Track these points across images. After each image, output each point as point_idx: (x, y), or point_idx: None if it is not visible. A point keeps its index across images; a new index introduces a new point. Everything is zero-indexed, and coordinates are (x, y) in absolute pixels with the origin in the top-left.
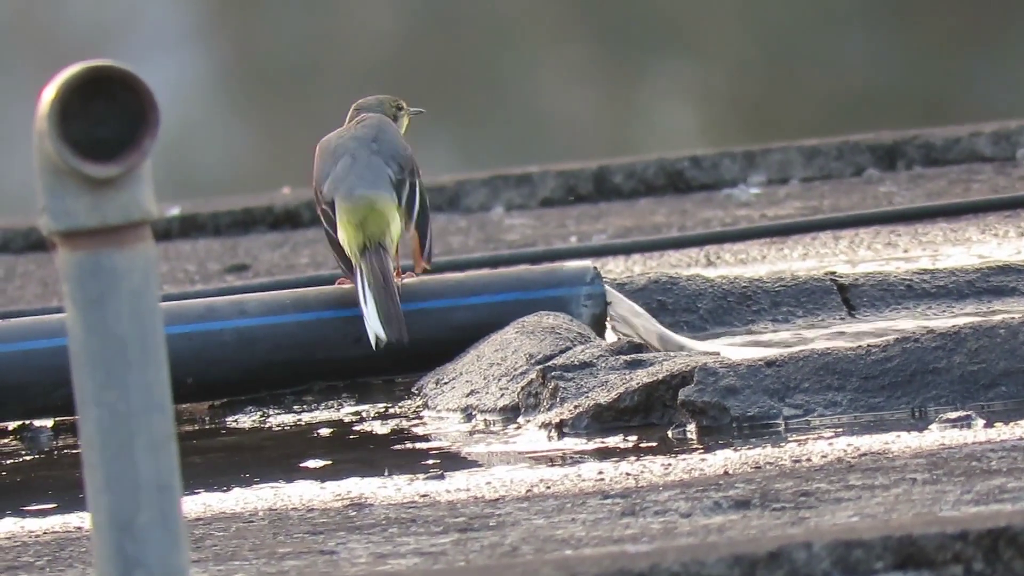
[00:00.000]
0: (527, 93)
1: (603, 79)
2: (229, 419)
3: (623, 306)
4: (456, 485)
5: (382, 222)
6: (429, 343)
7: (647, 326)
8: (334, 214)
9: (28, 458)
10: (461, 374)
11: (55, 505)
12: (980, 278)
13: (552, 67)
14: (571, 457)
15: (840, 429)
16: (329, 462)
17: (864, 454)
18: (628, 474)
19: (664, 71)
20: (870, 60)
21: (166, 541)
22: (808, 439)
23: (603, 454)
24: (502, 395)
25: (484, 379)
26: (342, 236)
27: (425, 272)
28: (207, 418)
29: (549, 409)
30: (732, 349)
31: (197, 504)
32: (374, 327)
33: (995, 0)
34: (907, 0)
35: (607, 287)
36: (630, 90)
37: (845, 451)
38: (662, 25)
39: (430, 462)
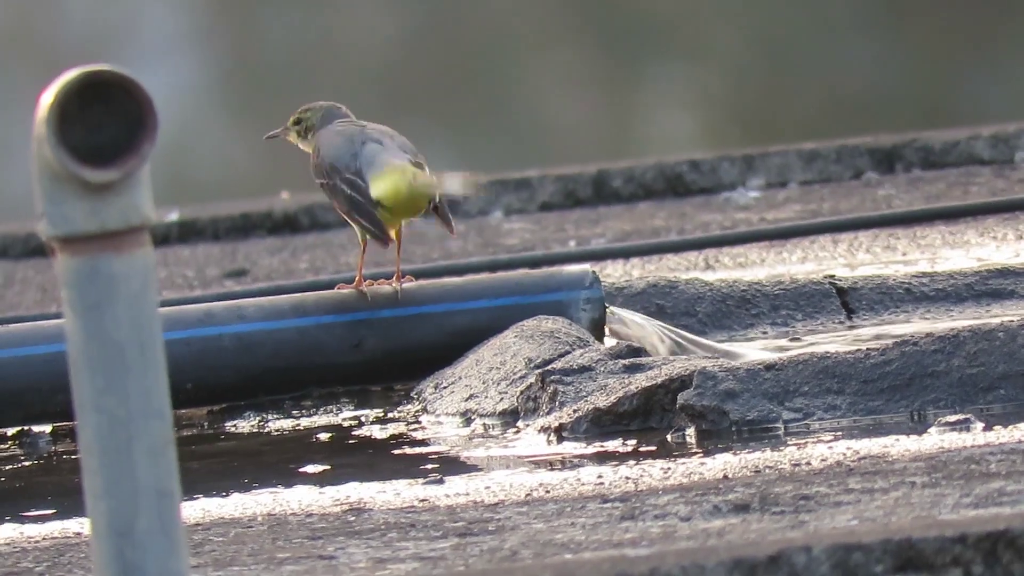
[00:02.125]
0: (526, 98)
1: (602, 84)
2: (228, 424)
3: (632, 322)
4: (455, 489)
5: (428, 180)
6: (428, 347)
7: (658, 333)
8: (365, 181)
9: (27, 463)
10: (460, 378)
11: (54, 511)
12: (979, 281)
13: (551, 72)
14: (570, 461)
15: (839, 433)
16: (328, 467)
17: (863, 457)
18: (627, 478)
19: (663, 75)
20: (868, 64)
21: (165, 546)
22: (807, 443)
23: (602, 458)
24: (501, 399)
25: (483, 383)
26: (380, 188)
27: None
28: (206, 423)
29: (548, 413)
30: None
31: (196, 509)
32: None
33: (992, 4)
34: (905, 4)
35: (616, 311)
36: (629, 95)
37: (844, 455)
38: (660, 30)
39: (429, 467)
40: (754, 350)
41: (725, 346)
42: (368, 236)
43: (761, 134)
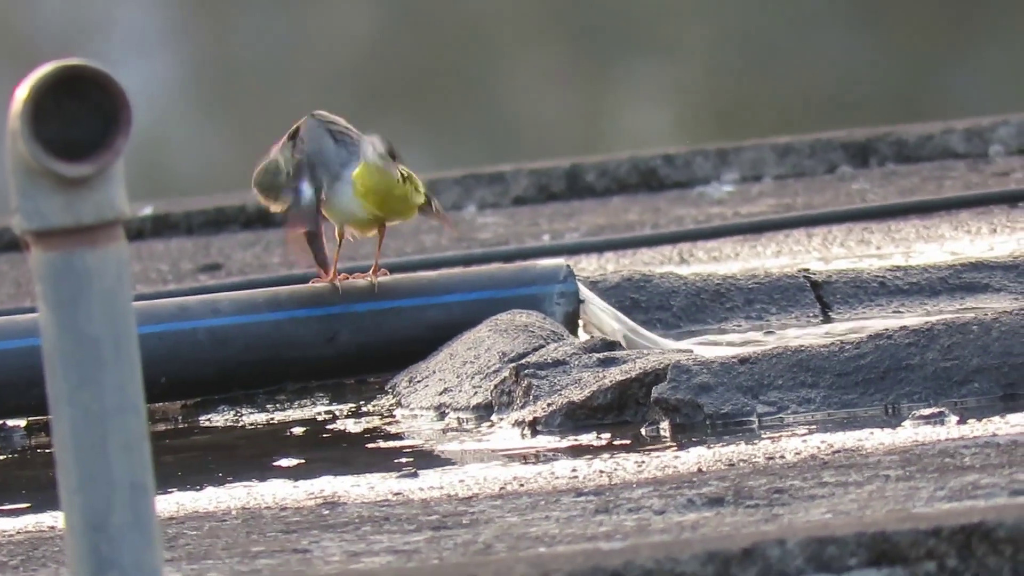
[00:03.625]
0: (500, 94)
1: (575, 79)
2: (202, 418)
3: (594, 305)
4: (429, 483)
5: (412, 183)
6: (402, 342)
7: (615, 325)
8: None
9: (1, 458)
10: (434, 372)
11: (28, 505)
12: (953, 275)
13: (524, 68)
14: (544, 455)
15: (814, 426)
16: (302, 461)
17: (838, 451)
18: (601, 472)
19: (636, 71)
20: (842, 58)
21: (139, 540)
22: (782, 436)
23: (576, 452)
24: (475, 393)
25: (457, 377)
26: (358, 189)
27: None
28: (180, 417)
29: (522, 407)
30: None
31: (170, 503)
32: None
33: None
34: None
35: (582, 287)
36: (602, 90)
37: (819, 448)
38: (634, 25)
39: (403, 460)
40: (705, 346)
41: (674, 344)
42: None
43: (735, 128)
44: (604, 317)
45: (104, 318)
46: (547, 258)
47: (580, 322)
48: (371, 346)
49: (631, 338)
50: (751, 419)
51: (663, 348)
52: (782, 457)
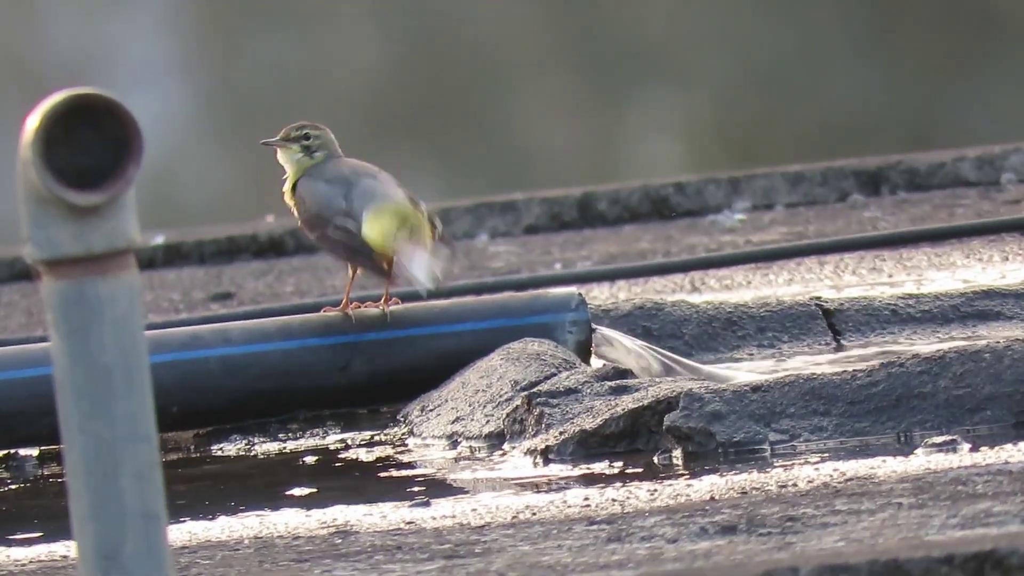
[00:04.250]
0: (512, 123)
1: (587, 108)
2: (214, 447)
3: (620, 343)
4: (442, 512)
5: (419, 220)
6: (414, 370)
7: (646, 358)
8: (359, 221)
9: (13, 487)
10: (446, 401)
11: (41, 534)
12: (965, 302)
13: (536, 97)
14: (557, 483)
15: (826, 454)
16: (314, 490)
17: (850, 479)
18: (614, 500)
19: (648, 99)
20: (853, 87)
21: (152, 570)
22: (794, 464)
23: (589, 480)
24: (487, 422)
25: (469, 406)
26: (374, 231)
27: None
28: (192, 446)
29: (534, 435)
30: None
31: (183, 532)
32: (420, 278)
33: (977, 27)
34: (891, 27)
35: (603, 331)
36: (614, 119)
37: (831, 476)
38: (645, 54)
39: (416, 489)
40: (740, 372)
41: (709, 368)
42: (366, 270)
43: (746, 157)
44: (632, 351)
45: (116, 347)
46: (559, 286)
47: (592, 351)
48: (383, 375)
49: (670, 366)
50: (763, 447)
51: (703, 374)
52: (794, 485)
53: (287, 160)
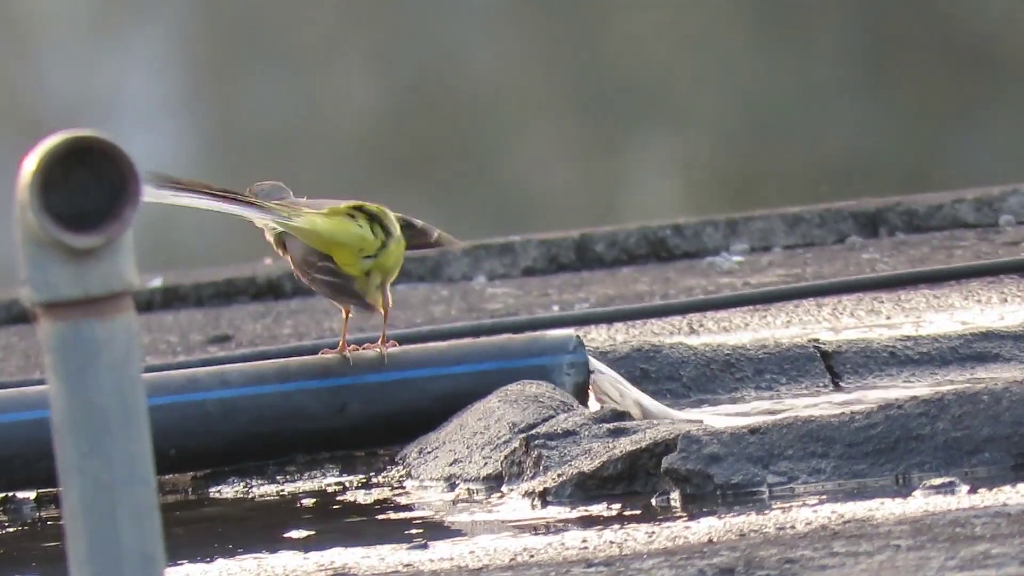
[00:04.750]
0: (509, 165)
1: (584, 150)
2: (212, 490)
3: (605, 376)
4: (440, 554)
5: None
6: (412, 412)
7: (629, 395)
8: (336, 265)
9: (11, 530)
10: (444, 443)
11: None
12: (963, 344)
13: (533, 138)
14: (555, 526)
15: (824, 496)
16: (312, 532)
17: (848, 521)
18: (612, 542)
19: (646, 142)
20: (851, 129)
21: None
22: (792, 506)
23: (587, 522)
24: (485, 464)
25: (467, 448)
26: (328, 225)
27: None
28: (190, 489)
29: (532, 478)
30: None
31: (181, 575)
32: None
33: (976, 69)
34: (889, 69)
35: (592, 359)
36: (611, 160)
37: (829, 518)
38: (642, 96)
39: (413, 531)
40: (714, 416)
41: (683, 414)
42: (355, 308)
43: (744, 199)
44: (618, 389)
45: (113, 389)
46: (557, 328)
47: (590, 392)
48: (381, 417)
49: (648, 410)
50: (762, 489)
51: (675, 419)
52: (793, 527)
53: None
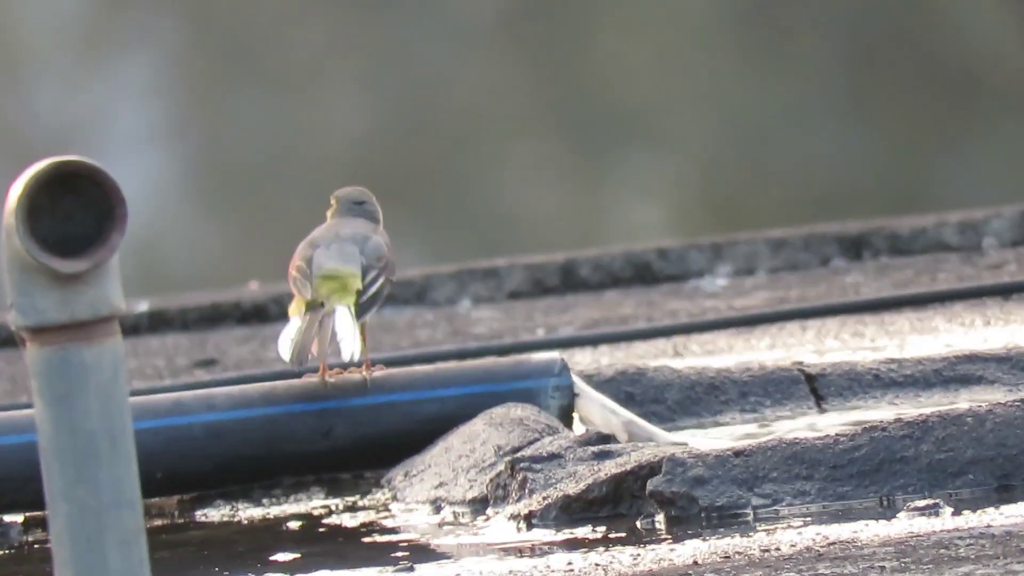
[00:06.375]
0: (494, 189)
1: (569, 174)
2: (198, 513)
3: (590, 397)
4: None
5: (338, 286)
6: (398, 435)
7: (617, 418)
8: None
9: None
10: (430, 466)
11: None
12: (947, 367)
13: (518, 162)
14: (540, 548)
15: (809, 518)
16: (298, 555)
17: (833, 543)
18: (597, 564)
19: (630, 165)
20: (835, 152)
21: None
22: (777, 528)
23: (572, 545)
24: (471, 487)
25: (453, 471)
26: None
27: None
28: (176, 512)
29: (518, 500)
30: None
31: None
32: (283, 348)
33: (960, 93)
34: (873, 93)
35: (576, 379)
36: (596, 184)
37: (814, 540)
38: (627, 120)
39: (399, 554)
40: (701, 438)
41: (673, 436)
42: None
43: (729, 222)
44: (602, 411)
45: (100, 413)
46: (542, 352)
47: (575, 415)
48: (367, 440)
49: (633, 431)
50: (746, 511)
51: (662, 441)
52: (777, 549)
53: None
